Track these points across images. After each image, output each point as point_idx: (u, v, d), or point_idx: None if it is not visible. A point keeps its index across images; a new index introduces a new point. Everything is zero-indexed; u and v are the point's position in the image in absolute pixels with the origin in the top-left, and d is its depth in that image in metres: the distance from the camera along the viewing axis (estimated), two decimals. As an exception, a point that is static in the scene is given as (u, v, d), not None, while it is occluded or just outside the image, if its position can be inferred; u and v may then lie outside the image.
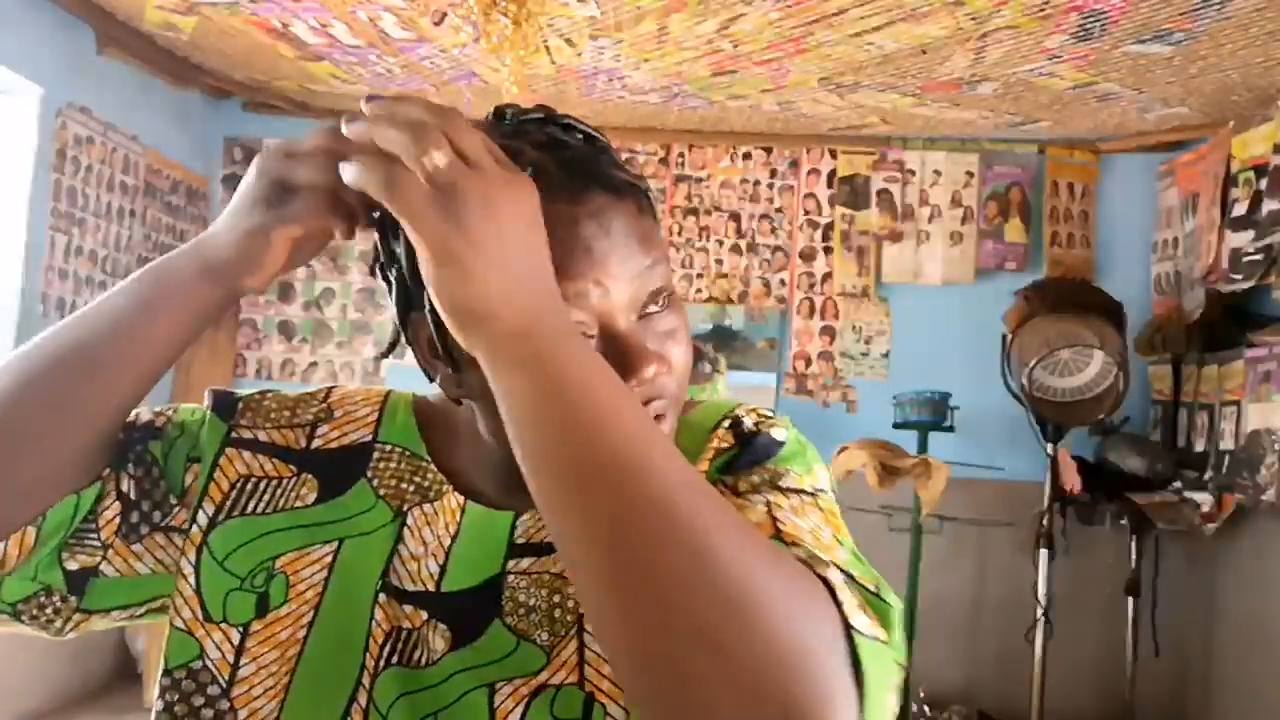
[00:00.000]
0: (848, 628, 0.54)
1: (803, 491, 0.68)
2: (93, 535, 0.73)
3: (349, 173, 0.58)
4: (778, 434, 0.74)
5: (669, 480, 0.54)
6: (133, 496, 0.74)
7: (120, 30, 3.68)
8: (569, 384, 0.56)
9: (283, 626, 0.72)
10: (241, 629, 0.72)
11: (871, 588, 0.59)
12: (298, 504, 0.75)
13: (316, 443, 0.78)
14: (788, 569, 0.54)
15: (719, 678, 0.50)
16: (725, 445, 0.74)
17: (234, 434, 0.78)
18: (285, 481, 0.76)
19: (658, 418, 0.69)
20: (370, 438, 0.78)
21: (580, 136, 0.69)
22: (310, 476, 0.76)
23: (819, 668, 0.51)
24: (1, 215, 3.43)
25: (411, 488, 0.76)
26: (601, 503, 0.53)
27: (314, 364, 4.59)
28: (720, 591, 0.51)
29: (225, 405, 0.79)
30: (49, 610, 0.73)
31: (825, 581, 0.56)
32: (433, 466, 0.76)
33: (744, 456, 0.72)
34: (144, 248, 4.09)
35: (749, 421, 0.75)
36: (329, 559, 0.73)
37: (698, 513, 0.53)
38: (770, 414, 0.76)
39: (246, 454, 0.77)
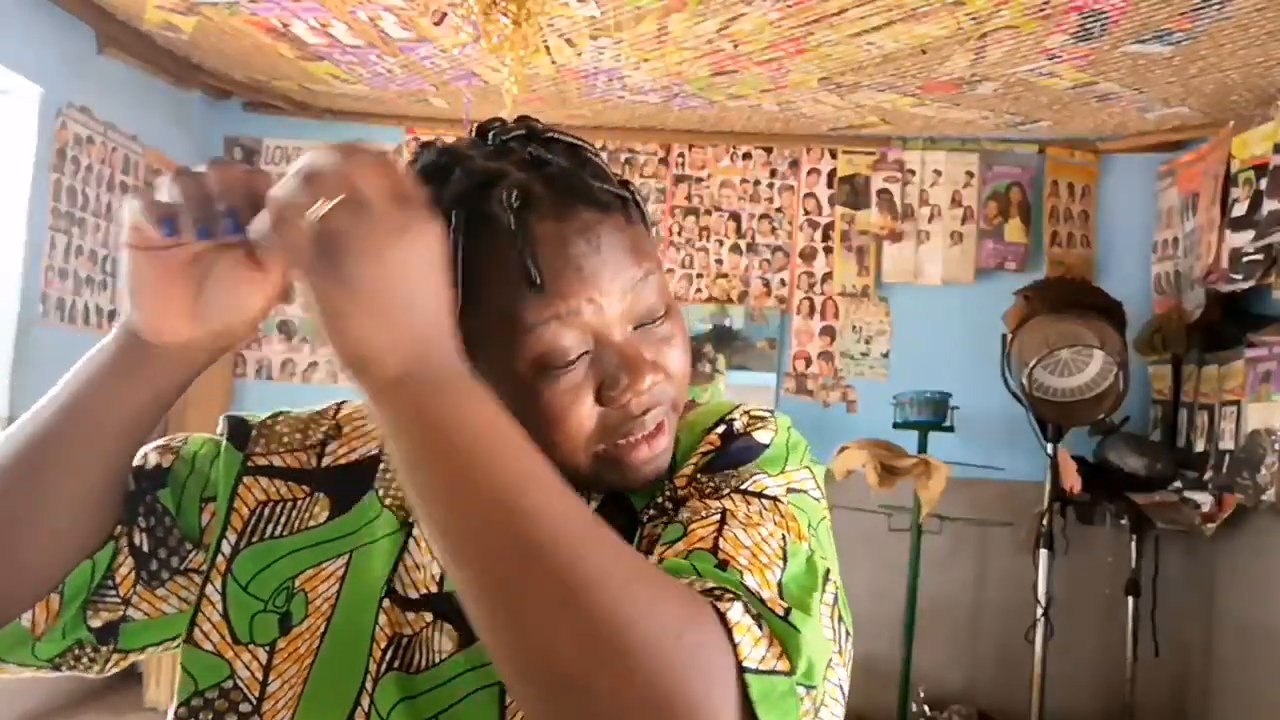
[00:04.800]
0: (740, 669, 0.53)
1: (764, 496, 0.67)
2: (112, 593, 0.74)
3: (255, 227, 0.59)
4: (762, 436, 0.73)
5: (543, 523, 0.53)
6: (146, 549, 0.76)
7: (120, 30, 3.68)
8: (444, 431, 0.56)
9: (302, 641, 0.74)
10: (268, 648, 0.74)
11: (780, 612, 0.57)
12: (311, 524, 0.77)
13: (326, 460, 0.79)
14: (678, 611, 0.53)
15: None
16: (711, 447, 0.73)
17: (250, 462, 0.79)
18: (300, 502, 0.78)
19: (658, 428, 0.70)
20: (378, 450, 0.79)
21: (564, 151, 0.70)
22: (323, 495, 0.78)
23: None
24: (1, 215, 3.42)
25: None
26: (473, 545, 0.54)
27: (314, 364, 4.59)
28: (592, 639, 0.50)
29: (240, 434, 0.80)
30: (84, 660, 0.76)
31: (722, 618, 0.54)
32: None
33: (721, 459, 0.71)
34: (144, 248, 4.08)
35: (740, 424, 0.74)
36: (341, 571, 0.75)
37: (576, 555, 0.52)
38: (767, 415, 0.75)
39: (263, 480, 0.78)
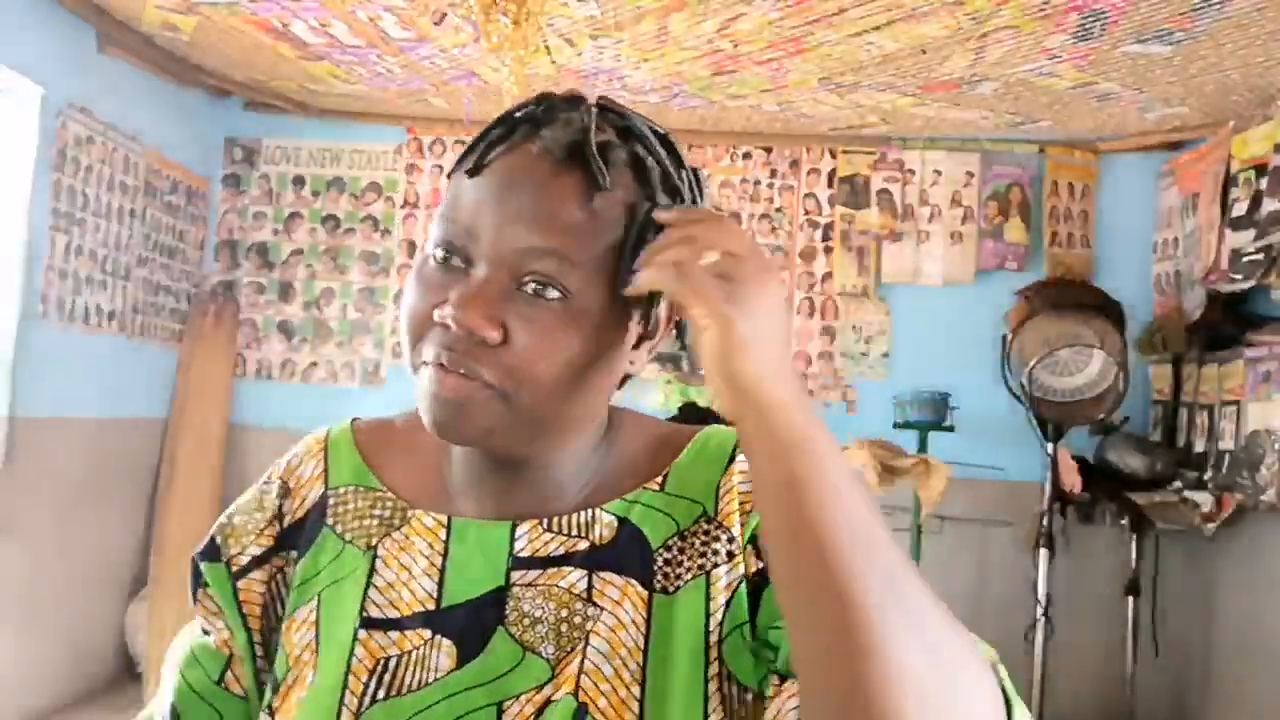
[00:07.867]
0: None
1: None
2: None
3: (644, 278, 0.65)
4: None
5: (894, 547, 0.60)
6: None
7: (120, 30, 3.68)
8: (818, 453, 0.60)
9: (293, 694, 0.74)
10: (269, 711, 0.75)
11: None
12: (295, 580, 0.78)
13: (287, 521, 0.79)
14: (976, 655, 0.60)
15: None
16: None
17: (232, 566, 0.79)
18: (285, 570, 0.79)
19: (451, 373, 0.66)
20: (324, 489, 0.79)
21: (629, 134, 0.72)
22: (293, 552, 0.78)
23: None
24: (1, 215, 3.43)
25: (375, 521, 0.77)
26: (846, 563, 0.58)
27: (314, 364, 4.59)
28: (941, 655, 0.57)
29: (210, 551, 0.80)
30: None
31: (995, 670, 0.62)
32: (389, 495, 0.77)
33: None
34: (144, 248, 4.09)
35: None
36: (313, 616, 0.75)
37: (918, 579, 0.59)
38: None
39: (253, 573, 0.79)
